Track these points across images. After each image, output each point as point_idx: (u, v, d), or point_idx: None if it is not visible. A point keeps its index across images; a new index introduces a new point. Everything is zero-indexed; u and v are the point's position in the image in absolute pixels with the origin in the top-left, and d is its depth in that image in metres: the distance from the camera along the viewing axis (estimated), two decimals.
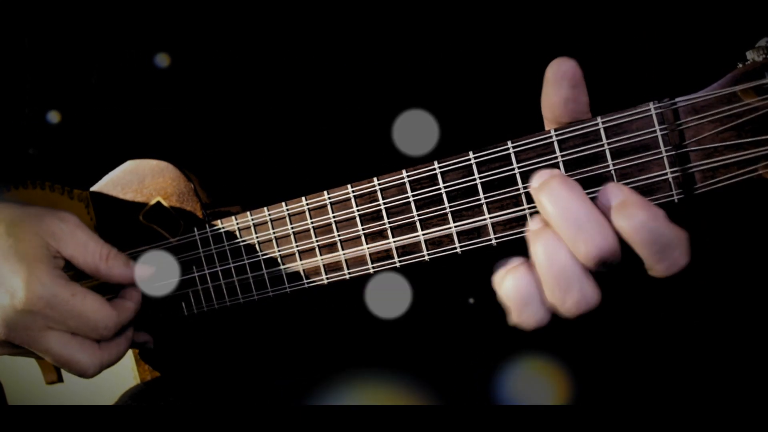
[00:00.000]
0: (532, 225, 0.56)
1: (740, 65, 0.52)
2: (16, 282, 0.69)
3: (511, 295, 0.56)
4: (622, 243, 0.52)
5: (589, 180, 0.57)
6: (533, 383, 0.78)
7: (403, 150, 0.73)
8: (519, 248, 0.61)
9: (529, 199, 0.59)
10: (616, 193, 0.52)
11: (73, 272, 0.76)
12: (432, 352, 0.85)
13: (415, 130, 0.74)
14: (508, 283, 0.56)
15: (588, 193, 0.57)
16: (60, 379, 0.93)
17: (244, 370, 0.86)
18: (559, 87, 0.55)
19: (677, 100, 0.54)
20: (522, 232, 0.60)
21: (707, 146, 0.53)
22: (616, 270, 0.54)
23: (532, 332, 0.57)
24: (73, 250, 0.74)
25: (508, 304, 0.56)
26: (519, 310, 0.56)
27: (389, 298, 0.75)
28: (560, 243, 0.53)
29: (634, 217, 0.51)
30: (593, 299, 0.53)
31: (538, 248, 0.54)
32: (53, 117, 0.82)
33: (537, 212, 0.58)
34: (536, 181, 0.56)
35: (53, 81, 0.90)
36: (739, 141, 0.52)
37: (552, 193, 0.53)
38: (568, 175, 0.57)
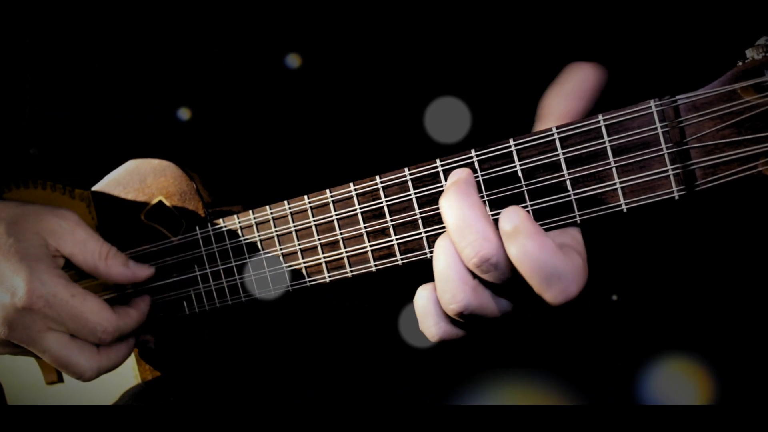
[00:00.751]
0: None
1: (740, 63, 0.52)
2: (17, 281, 0.69)
3: (416, 305, 0.60)
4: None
5: (591, 177, 0.58)
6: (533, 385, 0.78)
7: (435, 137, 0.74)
8: None
9: (532, 196, 0.60)
10: (511, 217, 0.53)
11: (75, 272, 0.76)
12: (432, 352, 0.85)
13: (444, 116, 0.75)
14: (418, 295, 0.60)
15: (588, 191, 0.57)
16: (60, 380, 0.92)
17: (245, 370, 0.86)
18: (570, 85, 0.58)
19: (678, 97, 0.54)
20: None
21: (708, 143, 0.54)
22: (506, 283, 0.55)
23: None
24: (73, 247, 0.74)
25: (417, 314, 0.61)
26: (421, 319, 0.60)
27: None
28: (451, 246, 0.57)
29: (521, 245, 0.52)
30: (463, 302, 0.56)
31: (435, 248, 0.58)
32: (184, 114, 0.81)
33: (546, 205, 0.60)
34: (448, 182, 0.59)
35: (54, 81, 0.90)
36: (739, 138, 0.52)
37: (447, 199, 0.56)
38: (569, 173, 0.58)
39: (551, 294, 0.53)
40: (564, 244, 0.56)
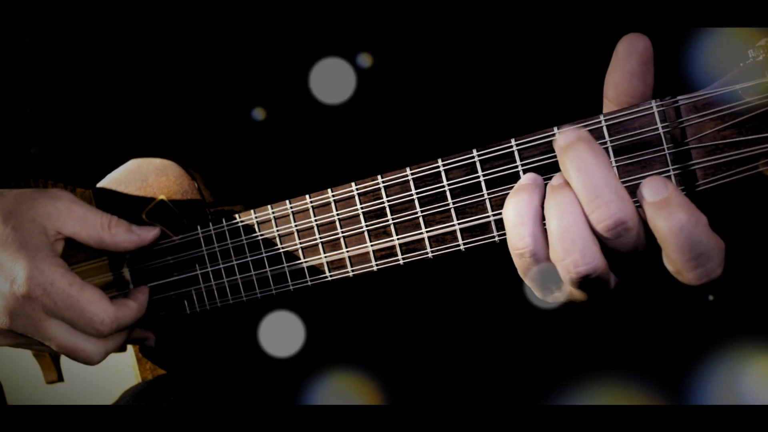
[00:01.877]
0: (554, 180, 0.55)
1: (742, 64, 0.52)
2: (17, 269, 0.69)
3: (509, 216, 0.55)
4: (654, 241, 0.51)
5: None
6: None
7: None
8: None
9: None
10: (659, 187, 0.50)
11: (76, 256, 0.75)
12: (432, 353, 0.85)
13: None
14: (509, 206, 0.55)
15: None
16: (60, 379, 0.92)
17: (246, 369, 0.86)
18: (628, 61, 0.54)
19: (679, 98, 0.54)
20: None
21: (708, 144, 0.54)
22: (630, 254, 0.52)
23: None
24: (74, 226, 0.73)
25: (506, 226, 0.56)
26: (510, 234, 0.55)
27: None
28: (576, 203, 0.52)
29: (673, 218, 0.49)
30: (593, 265, 0.52)
31: (551, 203, 0.53)
32: (258, 114, 0.81)
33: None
34: (562, 140, 0.54)
35: (55, 80, 0.90)
36: (740, 138, 0.52)
37: (577, 157, 0.52)
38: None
39: (696, 273, 0.49)
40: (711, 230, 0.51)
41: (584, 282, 0.53)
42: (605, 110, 0.59)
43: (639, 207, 0.52)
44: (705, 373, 0.72)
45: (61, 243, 0.74)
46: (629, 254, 0.52)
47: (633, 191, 0.55)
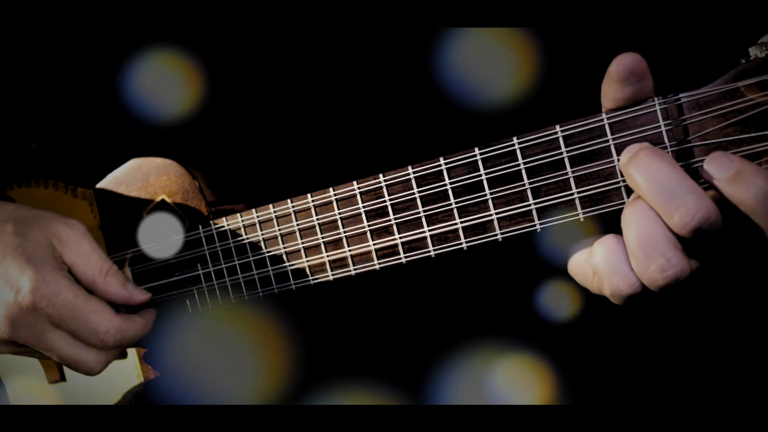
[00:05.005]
0: (628, 200, 0.55)
1: (743, 61, 0.52)
2: (22, 279, 0.69)
3: (598, 264, 0.55)
4: (733, 215, 0.51)
5: (595, 175, 0.58)
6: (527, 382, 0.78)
7: None
8: (523, 244, 0.62)
9: (535, 195, 0.60)
10: (726, 163, 0.50)
11: None
12: (432, 353, 0.85)
13: None
14: (597, 252, 0.55)
15: (592, 189, 0.57)
16: (63, 379, 0.92)
17: (246, 369, 0.86)
18: (627, 84, 0.54)
19: (681, 95, 0.54)
20: (528, 227, 0.61)
21: (711, 141, 0.54)
22: (715, 241, 0.52)
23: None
24: (75, 258, 0.73)
25: (599, 273, 0.56)
26: (608, 278, 0.55)
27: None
28: (650, 211, 0.52)
29: (753, 186, 0.48)
30: (679, 268, 0.52)
31: (627, 216, 0.53)
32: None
33: (549, 203, 0.59)
34: (624, 156, 0.54)
35: (57, 76, 0.90)
36: (743, 136, 0.53)
37: (641, 165, 0.52)
38: (573, 171, 0.58)
39: None
40: None
41: (671, 286, 0.53)
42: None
43: (709, 189, 0.52)
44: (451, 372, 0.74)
45: (65, 266, 0.74)
46: (715, 246, 0.52)
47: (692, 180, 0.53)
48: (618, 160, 0.57)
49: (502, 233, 0.62)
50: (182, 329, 0.82)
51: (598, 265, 0.56)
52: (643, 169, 0.52)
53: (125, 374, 0.87)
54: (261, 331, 0.83)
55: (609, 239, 0.56)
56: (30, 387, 0.95)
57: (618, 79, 0.54)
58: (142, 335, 0.77)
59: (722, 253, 0.54)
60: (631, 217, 0.53)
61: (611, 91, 0.55)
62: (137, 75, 0.87)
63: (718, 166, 0.50)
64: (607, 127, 0.57)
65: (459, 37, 0.74)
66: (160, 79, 0.85)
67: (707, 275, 0.55)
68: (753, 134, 0.52)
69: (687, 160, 0.55)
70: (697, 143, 0.54)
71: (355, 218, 0.68)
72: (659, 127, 0.55)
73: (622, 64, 0.53)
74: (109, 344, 0.73)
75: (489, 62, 0.73)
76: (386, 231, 0.67)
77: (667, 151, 0.55)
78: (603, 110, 0.57)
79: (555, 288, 0.73)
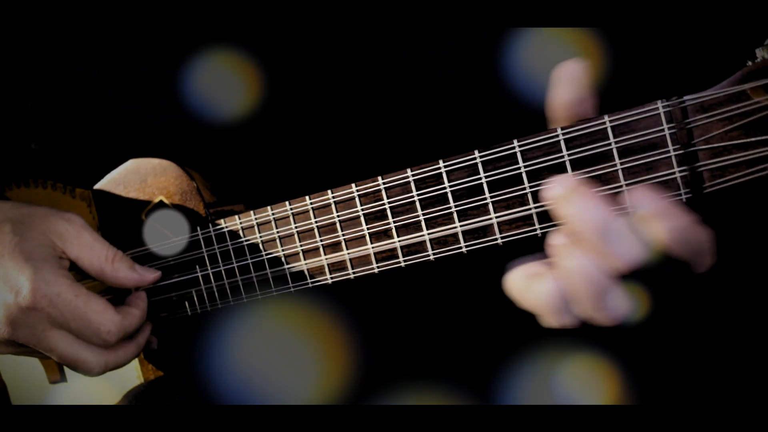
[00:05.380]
0: (558, 239, 0.55)
1: (749, 63, 0.51)
2: (22, 280, 0.69)
3: (542, 302, 0.56)
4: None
5: (597, 179, 0.57)
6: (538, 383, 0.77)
7: None
8: (524, 247, 0.61)
9: (536, 199, 0.59)
10: (648, 202, 0.52)
11: (77, 272, 0.76)
12: (432, 353, 0.84)
13: None
14: (539, 289, 0.56)
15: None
16: (63, 379, 0.92)
17: (247, 369, 0.86)
18: (571, 88, 0.55)
19: (685, 98, 0.53)
20: (528, 232, 0.60)
21: (716, 145, 0.53)
22: (644, 275, 0.53)
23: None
24: (79, 251, 0.73)
25: (535, 311, 0.56)
26: (548, 317, 0.56)
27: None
28: (588, 256, 0.53)
29: (671, 227, 0.51)
30: (624, 312, 0.53)
31: (568, 263, 0.54)
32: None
33: (547, 216, 0.58)
34: (556, 191, 0.54)
35: (57, 76, 0.89)
36: (748, 140, 0.51)
37: (577, 208, 0.53)
38: (575, 175, 0.57)
39: (705, 263, 0.52)
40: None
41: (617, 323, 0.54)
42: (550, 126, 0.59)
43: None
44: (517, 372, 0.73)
45: (67, 261, 0.74)
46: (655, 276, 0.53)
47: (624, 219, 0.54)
48: (620, 164, 0.55)
49: (502, 237, 0.61)
50: (182, 330, 0.82)
51: (536, 305, 0.56)
52: (580, 211, 0.53)
53: (125, 374, 0.87)
54: (316, 329, 0.82)
55: (546, 281, 0.55)
56: (30, 387, 0.95)
57: (564, 80, 0.55)
58: (141, 323, 0.77)
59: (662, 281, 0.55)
60: (575, 265, 0.53)
61: (555, 95, 0.56)
62: (137, 74, 0.86)
63: (640, 203, 0.52)
64: (609, 130, 0.56)
65: (461, 37, 0.73)
66: (160, 79, 0.85)
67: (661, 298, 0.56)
68: (758, 138, 0.51)
69: (691, 164, 0.54)
70: (701, 147, 0.53)
71: (353, 221, 0.67)
72: (663, 130, 0.54)
73: (570, 68, 0.55)
74: (112, 342, 0.73)
75: (490, 62, 0.72)
76: (385, 234, 0.66)
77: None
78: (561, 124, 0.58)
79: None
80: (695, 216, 0.52)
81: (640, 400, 0.71)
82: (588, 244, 0.53)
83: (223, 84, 0.83)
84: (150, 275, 0.77)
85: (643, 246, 0.52)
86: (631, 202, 0.52)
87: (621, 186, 0.56)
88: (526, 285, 0.57)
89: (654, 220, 0.51)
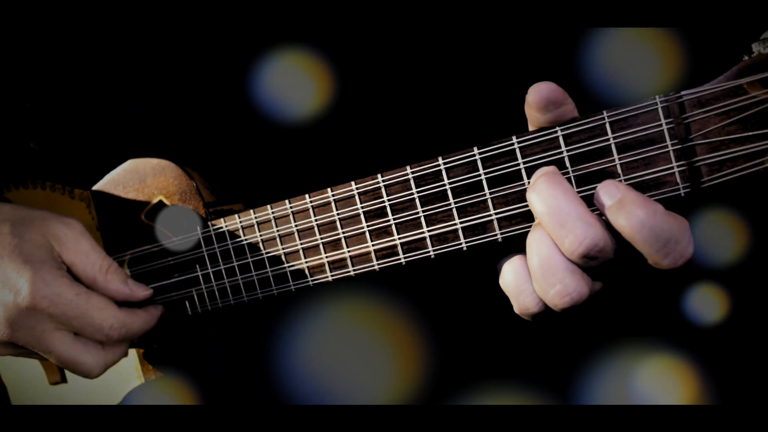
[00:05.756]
0: (533, 224, 0.57)
1: (746, 57, 0.51)
2: (21, 281, 0.69)
3: (507, 284, 0.58)
4: (623, 240, 0.53)
5: (595, 175, 0.57)
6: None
7: None
8: (524, 244, 0.61)
9: None
10: (612, 191, 0.53)
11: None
12: (432, 353, 0.84)
13: None
14: (505, 272, 0.58)
15: (593, 188, 0.57)
16: (63, 380, 0.92)
17: (247, 370, 0.86)
18: (546, 111, 0.56)
19: (683, 93, 0.53)
20: (528, 228, 0.60)
21: (713, 139, 0.53)
22: (609, 265, 0.54)
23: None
24: (75, 257, 0.73)
25: (507, 292, 0.59)
26: (515, 298, 0.58)
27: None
28: (546, 239, 0.55)
29: (632, 215, 0.51)
30: (576, 293, 0.54)
31: (529, 242, 0.56)
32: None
33: None
34: (532, 180, 0.57)
35: (55, 76, 0.89)
36: (746, 134, 0.52)
37: (538, 191, 0.55)
38: (573, 170, 0.57)
39: (671, 259, 0.51)
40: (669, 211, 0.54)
41: (572, 309, 0.55)
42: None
43: (602, 215, 0.54)
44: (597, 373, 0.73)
45: (64, 265, 0.74)
46: (612, 269, 0.55)
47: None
48: (618, 159, 0.56)
49: (502, 233, 0.61)
50: (182, 330, 0.82)
51: (506, 286, 0.59)
52: (539, 195, 0.54)
53: (125, 374, 0.87)
54: (261, 332, 0.82)
55: (516, 260, 0.58)
56: (30, 387, 0.95)
57: (536, 107, 0.56)
58: (146, 329, 0.77)
59: (620, 274, 0.56)
60: (532, 243, 0.56)
61: (533, 116, 0.57)
62: (137, 74, 0.86)
63: (605, 194, 0.53)
64: (607, 125, 0.56)
65: (460, 34, 0.73)
66: (159, 78, 0.85)
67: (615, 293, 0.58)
68: (756, 132, 0.51)
69: (689, 158, 0.54)
70: (699, 141, 0.54)
71: (353, 219, 0.67)
72: (661, 125, 0.54)
73: (538, 93, 0.55)
74: (114, 338, 0.73)
75: (489, 59, 0.72)
76: (385, 231, 0.66)
77: (568, 176, 0.57)
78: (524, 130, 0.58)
79: (703, 291, 0.72)
80: (660, 207, 0.52)
81: (719, 401, 0.71)
82: (545, 226, 0.54)
83: (224, 84, 0.83)
84: (141, 292, 0.77)
85: (595, 232, 0.52)
86: (599, 196, 0.53)
87: (620, 181, 0.56)
88: (501, 269, 0.59)
89: (618, 211, 0.52)
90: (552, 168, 0.56)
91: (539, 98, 0.55)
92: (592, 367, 0.74)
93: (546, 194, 0.54)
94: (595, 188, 0.57)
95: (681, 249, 0.52)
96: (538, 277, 0.55)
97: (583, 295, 0.54)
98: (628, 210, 0.51)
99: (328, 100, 0.77)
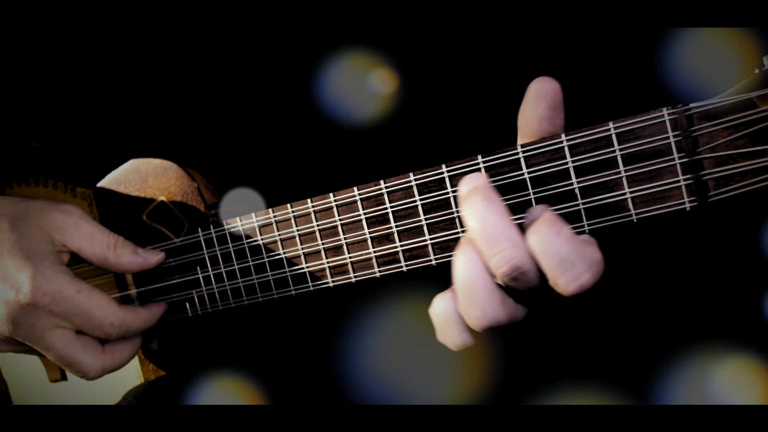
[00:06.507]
0: (463, 237, 0.58)
1: (757, 71, 0.51)
2: (22, 278, 0.68)
3: (434, 315, 0.59)
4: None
5: (601, 186, 0.56)
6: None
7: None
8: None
9: (539, 204, 0.58)
10: (535, 213, 0.54)
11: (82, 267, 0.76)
12: (432, 353, 0.84)
13: None
14: (435, 304, 0.59)
15: (598, 200, 0.56)
16: (64, 377, 0.92)
17: (247, 372, 0.86)
18: (537, 106, 0.56)
19: (691, 105, 0.53)
20: None
21: (721, 153, 0.52)
22: (532, 290, 0.55)
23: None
24: (80, 241, 0.73)
25: (434, 324, 0.59)
26: (441, 330, 0.59)
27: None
28: (476, 256, 0.55)
29: (539, 233, 0.52)
30: (496, 315, 0.55)
31: (457, 255, 0.57)
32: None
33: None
34: (461, 189, 0.57)
35: (58, 76, 0.89)
36: (755, 148, 0.51)
37: (474, 208, 0.55)
38: (578, 182, 0.57)
39: (564, 280, 0.52)
40: (584, 240, 0.55)
41: (489, 329, 0.56)
42: (519, 140, 0.60)
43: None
44: (673, 373, 0.73)
45: (67, 255, 0.74)
46: (532, 291, 0.55)
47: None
48: (624, 171, 0.55)
49: None
50: (182, 331, 0.82)
51: (434, 316, 0.59)
52: (475, 212, 0.55)
53: (125, 374, 0.87)
54: (261, 336, 0.82)
55: (447, 294, 0.59)
56: (31, 385, 0.95)
57: (551, 104, 0.56)
58: (146, 327, 0.77)
59: (541, 301, 0.57)
60: (459, 258, 0.56)
61: (538, 116, 0.57)
62: (139, 74, 0.86)
63: (529, 216, 0.55)
64: (614, 137, 0.55)
65: (464, 42, 0.72)
66: (162, 79, 0.84)
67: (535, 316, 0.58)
68: (765, 147, 0.50)
69: (696, 172, 0.53)
70: (706, 155, 0.53)
71: (355, 225, 0.67)
72: (668, 137, 0.54)
73: (553, 87, 0.56)
74: (113, 335, 0.73)
75: (494, 67, 0.72)
76: (387, 238, 0.66)
77: (573, 189, 0.57)
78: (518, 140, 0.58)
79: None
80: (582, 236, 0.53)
81: None
82: (476, 243, 0.55)
83: (222, 86, 0.82)
84: (153, 257, 0.77)
85: (521, 255, 0.53)
86: (528, 216, 0.55)
87: (625, 193, 0.56)
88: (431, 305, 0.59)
89: (533, 229, 0.53)
90: (484, 182, 0.57)
91: (555, 94, 0.55)
92: (669, 367, 0.74)
93: (482, 212, 0.55)
94: (601, 200, 0.56)
95: (577, 273, 0.52)
96: (461, 294, 0.56)
97: (500, 318, 0.55)
98: (538, 228, 0.53)
99: (332, 104, 0.76)
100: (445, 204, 0.62)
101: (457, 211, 0.62)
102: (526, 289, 0.55)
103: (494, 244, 0.53)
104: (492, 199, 0.55)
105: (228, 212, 0.78)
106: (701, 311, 0.76)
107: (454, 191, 0.61)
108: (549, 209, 0.54)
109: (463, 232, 0.62)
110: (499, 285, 0.55)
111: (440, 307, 0.58)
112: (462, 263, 0.56)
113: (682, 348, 0.74)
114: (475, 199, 0.55)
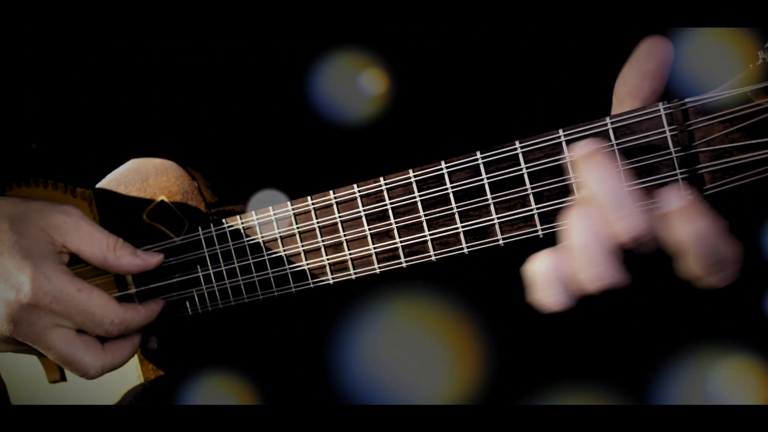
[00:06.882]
0: (576, 198, 0.57)
1: (751, 65, 0.51)
2: (22, 278, 0.69)
3: (535, 273, 0.57)
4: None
5: None
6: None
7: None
8: (526, 249, 0.61)
9: (538, 200, 0.59)
10: (679, 197, 0.52)
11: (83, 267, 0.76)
12: (431, 353, 0.84)
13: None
14: (537, 263, 0.57)
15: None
16: (63, 378, 0.92)
17: (247, 370, 0.86)
18: (646, 60, 0.55)
19: (687, 100, 0.53)
20: (530, 233, 0.60)
21: (717, 147, 0.53)
22: (642, 259, 0.54)
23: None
24: (80, 242, 0.73)
25: (534, 283, 0.58)
26: (541, 289, 0.57)
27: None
28: (598, 217, 0.54)
29: (696, 226, 0.51)
30: (612, 277, 0.54)
31: (575, 220, 0.55)
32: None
33: (551, 208, 0.59)
34: (581, 152, 0.55)
35: (57, 76, 0.89)
36: (750, 142, 0.52)
37: (596, 170, 0.54)
38: (576, 176, 0.57)
39: (718, 278, 0.52)
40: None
41: (599, 291, 0.55)
42: (612, 110, 0.59)
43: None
44: (673, 373, 0.73)
45: (67, 256, 0.74)
46: (642, 259, 0.54)
47: (640, 195, 0.54)
48: (621, 165, 0.56)
49: (503, 238, 0.61)
50: (182, 330, 0.82)
51: (534, 275, 0.57)
52: (599, 173, 0.54)
53: (125, 374, 0.87)
54: (261, 333, 0.82)
55: (548, 252, 0.57)
56: (30, 386, 0.95)
57: (644, 52, 0.55)
58: (146, 323, 0.77)
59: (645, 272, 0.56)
60: (577, 221, 0.54)
61: (628, 66, 0.55)
62: (138, 74, 0.86)
63: (671, 197, 0.53)
64: (611, 131, 0.56)
65: (463, 38, 0.73)
66: (161, 78, 0.85)
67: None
68: (759, 140, 0.51)
69: (692, 166, 0.54)
70: (702, 149, 0.54)
71: (355, 221, 0.67)
72: (664, 132, 0.54)
73: (668, 47, 0.55)
74: (113, 333, 0.74)
75: (492, 63, 0.72)
76: (387, 235, 0.66)
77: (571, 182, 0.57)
78: (611, 110, 0.57)
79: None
80: (724, 225, 0.52)
81: None
82: (598, 208, 0.53)
83: (222, 84, 0.83)
84: (153, 259, 0.78)
85: (648, 222, 0.52)
86: (663, 198, 0.53)
87: None
88: (529, 263, 0.58)
89: (683, 216, 0.51)
90: (600, 146, 0.55)
91: (669, 51, 0.55)
92: (669, 367, 0.74)
93: (604, 174, 0.54)
94: None
95: (732, 272, 0.52)
96: (578, 255, 0.54)
97: (617, 282, 0.54)
98: (693, 220, 0.51)
99: (331, 103, 0.77)
100: (444, 200, 0.63)
101: (457, 207, 0.62)
102: (638, 256, 0.54)
103: (621, 208, 0.53)
104: (614, 164, 0.54)
105: (228, 211, 0.78)
106: (701, 311, 0.76)
107: (453, 187, 0.62)
108: (695, 194, 0.53)
109: (462, 227, 0.62)
110: (615, 250, 0.54)
111: (542, 265, 0.56)
112: (583, 224, 0.54)
113: (682, 348, 0.74)
114: (599, 162, 0.54)
